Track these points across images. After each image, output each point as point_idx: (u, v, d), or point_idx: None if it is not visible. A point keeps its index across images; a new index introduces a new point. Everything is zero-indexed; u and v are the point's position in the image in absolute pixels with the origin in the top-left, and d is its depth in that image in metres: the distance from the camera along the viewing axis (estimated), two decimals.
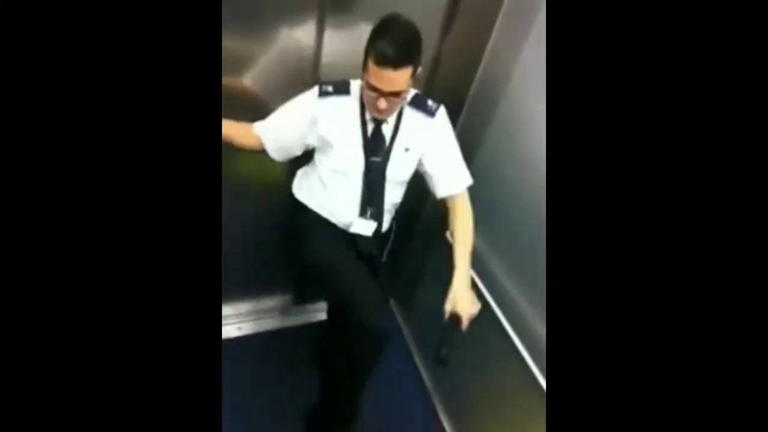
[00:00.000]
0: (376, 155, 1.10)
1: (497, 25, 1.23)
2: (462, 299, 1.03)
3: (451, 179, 1.14)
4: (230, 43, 1.07)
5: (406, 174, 1.16)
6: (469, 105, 1.39)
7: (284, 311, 1.89)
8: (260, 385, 1.64)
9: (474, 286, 1.32)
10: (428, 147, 1.11)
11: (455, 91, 1.37)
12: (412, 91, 1.07)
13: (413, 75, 0.96)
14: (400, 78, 0.93)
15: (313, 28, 1.12)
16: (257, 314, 1.84)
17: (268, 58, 1.15)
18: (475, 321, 1.02)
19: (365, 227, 1.19)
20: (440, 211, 1.56)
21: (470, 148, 1.37)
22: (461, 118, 1.43)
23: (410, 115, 1.10)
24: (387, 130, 1.10)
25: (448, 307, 1.04)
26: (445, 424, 1.67)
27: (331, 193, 1.16)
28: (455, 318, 1.01)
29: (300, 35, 1.13)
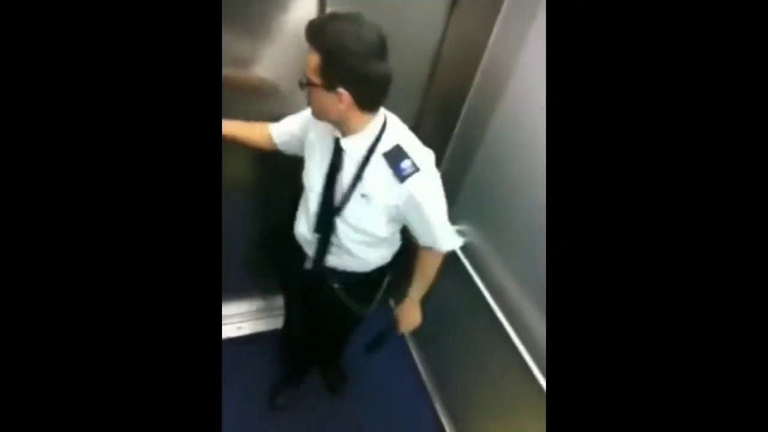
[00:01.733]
0: (331, 186, 1.02)
1: (497, 25, 1.23)
2: (405, 314, 1.26)
3: (427, 241, 1.06)
4: (230, 41, 1.07)
5: (365, 223, 1.03)
6: (469, 105, 1.39)
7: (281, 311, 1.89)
8: (260, 385, 1.65)
9: (474, 286, 1.33)
10: (403, 212, 1.00)
11: (455, 91, 1.37)
12: (393, 141, 0.95)
13: (321, 76, 0.84)
14: (308, 58, 0.84)
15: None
16: (257, 314, 1.84)
17: (268, 56, 1.14)
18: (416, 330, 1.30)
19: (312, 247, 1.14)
20: None
21: (470, 148, 1.37)
22: (461, 117, 1.43)
23: (378, 165, 0.95)
24: (349, 169, 0.99)
25: (395, 316, 1.28)
26: (445, 424, 1.67)
27: (301, 204, 1.14)
28: (396, 325, 1.28)
29: (300, 28, 1.13)
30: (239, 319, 1.81)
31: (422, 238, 1.06)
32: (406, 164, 0.93)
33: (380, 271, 1.20)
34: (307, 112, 1.08)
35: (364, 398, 1.72)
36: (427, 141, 1.47)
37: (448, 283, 1.58)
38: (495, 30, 1.24)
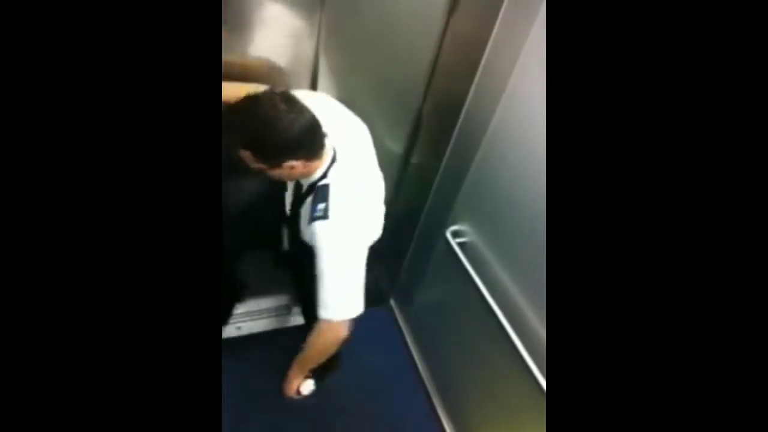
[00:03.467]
0: (294, 206, 1.08)
1: (497, 26, 1.23)
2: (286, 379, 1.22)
3: (317, 300, 0.98)
4: (228, 42, 1.07)
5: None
6: (469, 105, 1.39)
7: (284, 311, 1.89)
8: (260, 385, 1.65)
9: (474, 286, 1.33)
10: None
11: (455, 91, 1.37)
12: (328, 180, 0.97)
13: (263, 164, 0.89)
14: (241, 154, 0.89)
15: (314, 21, 1.12)
16: (257, 314, 1.84)
17: (268, 53, 1.14)
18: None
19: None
20: (440, 211, 1.58)
21: (470, 148, 1.37)
22: (461, 118, 1.43)
23: (309, 201, 0.99)
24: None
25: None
26: (445, 423, 1.67)
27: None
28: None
29: (299, 33, 1.13)
30: (239, 319, 1.81)
31: (317, 298, 0.98)
32: (320, 206, 0.94)
33: None
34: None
35: (364, 398, 1.72)
36: (427, 141, 1.49)
37: (448, 283, 1.58)
38: (495, 30, 1.24)
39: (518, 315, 1.20)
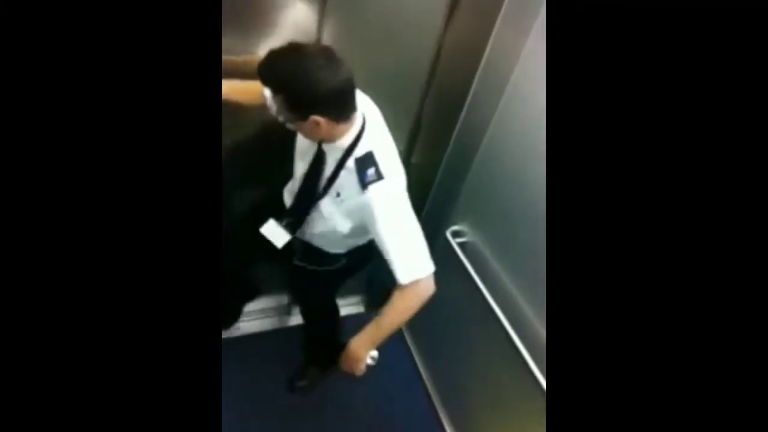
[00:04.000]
0: (308, 184, 1.07)
1: (497, 25, 1.23)
2: (348, 352, 1.12)
3: (393, 267, 0.97)
4: (230, 39, 1.07)
5: (334, 222, 1.08)
6: (469, 105, 1.39)
7: (284, 311, 1.89)
8: (260, 385, 1.65)
9: (474, 286, 1.33)
10: (364, 221, 1.00)
11: (455, 91, 1.37)
12: (367, 147, 0.97)
13: (291, 111, 0.89)
14: (272, 99, 0.88)
15: (315, 20, 1.12)
16: (257, 314, 1.84)
17: (269, 42, 1.14)
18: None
19: (276, 234, 1.14)
20: (440, 211, 1.58)
21: (470, 148, 1.37)
22: (461, 117, 1.43)
23: (351, 169, 0.98)
24: (329, 167, 1.03)
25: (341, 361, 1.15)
26: (445, 424, 1.67)
27: (292, 180, 1.20)
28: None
29: (301, 27, 1.13)
30: (239, 319, 1.81)
31: (385, 257, 0.98)
32: (370, 171, 0.94)
33: (338, 257, 1.24)
34: None
35: (364, 398, 1.72)
36: (427, 141, 1.49)
37: (448, 283, 1.58)
38: (495, 30, 1.24)
39: (518, 315, 1.20)
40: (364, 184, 0.95)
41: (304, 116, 0.89)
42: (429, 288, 0.99)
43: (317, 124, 0.89)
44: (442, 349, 1.71)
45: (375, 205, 0.95)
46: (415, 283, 0.97)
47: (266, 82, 0.87)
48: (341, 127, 0.94)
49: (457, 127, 1.45)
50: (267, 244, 1.18)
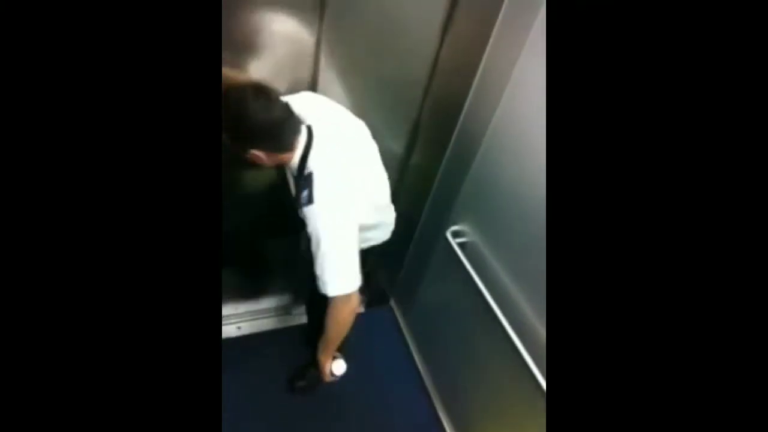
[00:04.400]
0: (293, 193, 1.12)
1: (497, 26, 1.23)
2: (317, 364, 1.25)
3: (318, 280, 1.04)
4: (227, 42, 1.07)
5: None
6: (469, 105, 1.39)
7: (284, 311, 1.89)
8: (260, 385, 1.65)
9: (474, 286, 1.33)
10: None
11: (455, 92, 1.37)
12: (310, 168, 1.00)
13: (232, 149, 0.94)
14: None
15: (315, 19, 1.12)
16: (257, 314, 1.84)
17: (268, 50, 1.14)
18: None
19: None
20: (440, 211, 1.58)
21: (470, 148, 1.37)
22: (461, 118, 1.43)
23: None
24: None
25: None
26: (445, 423, 1.67)
27: None
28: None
29: (300, 30, 1.13)
30: (239, 319, 1.82)
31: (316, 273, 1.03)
32: (305, 194, 1.00)
33: None
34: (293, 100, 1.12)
35: (364, 397, 1.72)
36: (427, 141, 1.49)
37: (448, 283, 1.59)
38: (495, 30, 1.24)
39: (518, 315, 1.20)
40: (299, 204, 1.02)
41: (245, 151, 0.95)
42: (351, 302, 1.06)
43: (258, 157, 0.96)
44: (442, 350, 1.71)
45: (308, 223, 1.00)
46: (334, 299, 1.04)
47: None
48: (285, 155, 1.00)
49: (457, 127, 1.45)
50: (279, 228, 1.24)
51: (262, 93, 0.92)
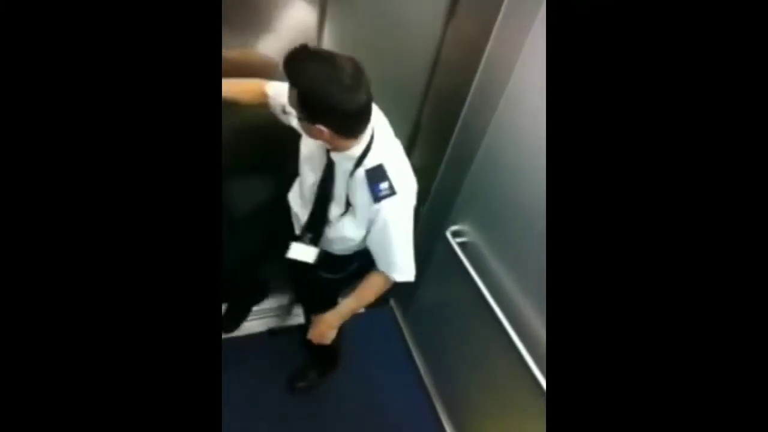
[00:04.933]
0: (323, 195, 1.09)
1: (497, 26, 1.23)
2: (322, 324, 1.25)
3: (382, 265, 1.12)
4: (230, 37, 1.07)
5: (346, 230, 1.12)
6: (469, 105, 1.39)
7: (284, 311, 1.89)
8: (260, 385, 1.65)
9: (474, 286, 1.33)
10: (371, 230, 1.07)
11: (455, 92, 1.37)
12: (378, 159, 0.99)
13: (301, 111, 0.89)
14: (289, 92, 0.89)
15: (315, 20, 1.12)
16: (257, 314, 1.84)
17: (268, 53, 1.14)
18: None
19: (304, 253, 1.19)
20: (440, 211, 1.58)
21: (470, 149, 1.37)
22: (461, 118, 1.43)
23: (362, 180, 1.00)
24: (339, 179, 1.05)
25: (314, 320, 1.27)
26: (445, 423, 1.67)
27: (297, 182, 1.22)
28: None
29: (300, 32, 1.13)
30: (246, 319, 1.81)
31: (379, 261, 1.11)
32: (383, 185, 0.98)
33: (349, 257, 1.26)
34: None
35: (364, 398, 1.72)
36: (427, 141, 1.49)
37: (448, 283, 1.58)
38: (495, 30, 1.24)
39: (518, 315, 1.20)
40: (377, 198, 0.98)
41: (311, 120, 0.89)
42: (389, 285, 1.14)
43: (321, 132, 0.90)
44: (442, 349, 1.71)
45: (385, 216, 1.00)
46: (387, 278, 1.12)
47: (289, 75, 0.85)
48: (347, 141, 0.95)
49: (457, 127, 1.45)
50: (274, 246, 1.23)
51: (361, 80, 0.86)
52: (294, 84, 0.86)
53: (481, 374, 1.46)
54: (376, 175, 0.98)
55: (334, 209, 1.10)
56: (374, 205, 0.99)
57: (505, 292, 1.25)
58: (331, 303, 1.32)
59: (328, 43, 1.15)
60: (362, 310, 1.28)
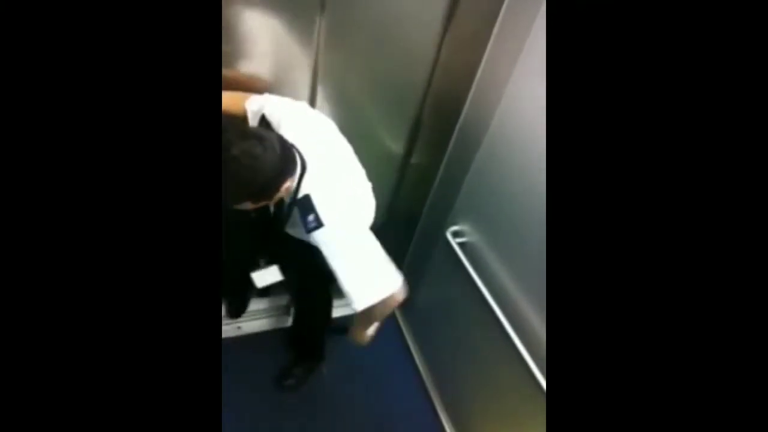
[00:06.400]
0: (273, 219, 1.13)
1: (497, 26, 1.23)
2: (354, 332, 1.22)
3: (348, 296, 1.00)
4: (230, 41, 1.07)
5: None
6: (469, 105, 1.39)
7: (284, 311, 1.89)
8: (260, 385, 1.65)
9: (474, 286, 1.33)
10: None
11: (455, 92, 1.37)
12: (305, 190, 0.98)
13: (255, 204, 0.93)
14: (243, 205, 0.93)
15: (314, 24, 1.12)
16: (257, 314, 1.84)
17: (267, 51, 1.14)
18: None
19: (267, 276, 1.25)
20: (440, 211, 1.58)
21: (470, 149, 1.37)
22: (461, 118, 1.43)
23: (295, 211, 1.02)
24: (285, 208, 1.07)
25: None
26: (445, 423, 1.67)
27: None
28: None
29: (299, 35, 1.13)
30: (239, 319, 1.82)
31: (348, 297, 1.00)
32: (310, 218, 0.96)
33: None
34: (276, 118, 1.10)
35: (364, 398, 1.72)
36: (427, 141, 1.49)
37: (448, 283, 1.59)
38: (495, 31, 1.24)
39: (518, 315, 1.20)
40: (307, 230, 0.97)
41: (276, 192, 0.93)
42: (397, 297, 1.02)
43: (287, 188, 0.94)
44: (442, 350, 1.71)
45: (321, 247, 0.97)
46: (374, 305, 1.00)
47: (235, 203, 0.91)
48: (296, 175, 0.97)
49: (457, 127, 1.45)
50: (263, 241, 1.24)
51: (250, 134, 0.88)
52: (241, 201, 0.90)
53: (480, 374, 1.46)
54: (304, 206, 0.97)
55: (292, 229, 1.12)
56: (309, 237, 0.98)
57: (505, 292, 1.25)
58: (322, 270, 1.31)
59: (326, 44, 1.15)
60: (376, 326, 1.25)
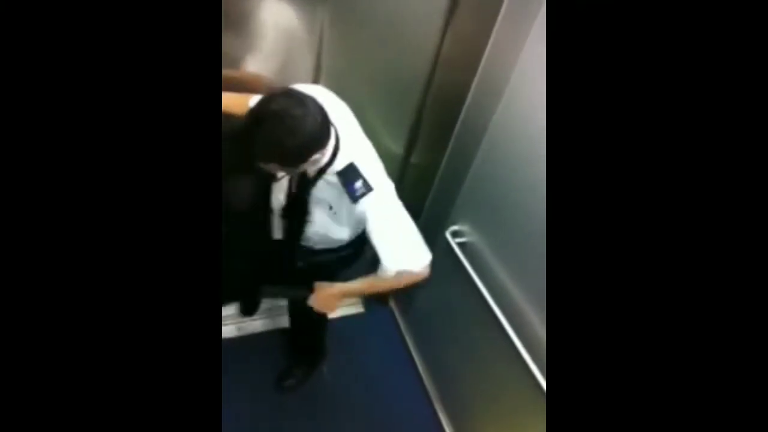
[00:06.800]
0: (293, 206, 1.10)
1: (497, 25, 1.23)
2: (326, 294, 1.17)
3: (387, 262, 1.01)
4: (227, 37, 1.07)
5: (331, 231, 1.12)
6: (469, 104, 1.39)
7: (284, 311, 1.89)
8: (261, 385, 1.65)
9: (474, 286, 1.33)
10: (365, 226, 1.02)
11: (455, 91, 1.37)
12: (347, 159, 0.97)
13: (284, 170, 0.93)
14: (268, 166, 0.91)
15: (316, 22, 1.12)
16: (257, 314, 1.84)
17: (270, 46, 1.14)
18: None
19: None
20: (440, 211, 1.58)
21: (470, 149, 1.37)
22: (461, 117, 1.43)
23: (333, 184, 1.00)
24: (311, 183, 1.04)
25: (316, 287, 1.19)
26: (445, 424, 1.67)
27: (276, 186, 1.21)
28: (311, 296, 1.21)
29: (301, 32, 1.13)
30: (239, 319, 1.81)
31: (386, 258, 1.01)
32: (358, 184, 0.96)
33: (343, 248, 1.23)
34: None
35: (364, 398, 1.72)
36: (427, 141, 1.49)
37: (447, 283, 1.58)
38: (495, 30, 1.23)
39: (518, 315, 1.20)
40: (354, 198, 0.96)
41: (304, 162, 0.89)
42: (422, 274, 1.04)
43: (317, 160, 0.91)
44: (441, 350, 1.71)
45: (369, 215, 0.97)
46: (410, 272, 1.03)
47: (259, 160, 0.87)
48: (329, 147, 0.95)
49: (457, 127, 1.45)
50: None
51: (295, 97, 0.84)
52: (267, 161, 0.88)
53: (480, 374, 1.46)
54: (349, 175, 0.97)
55: (318, 214, 1.09)
56: (354, 205, 0.98)
57: (505, 292, 1.25)
58: (318, 270, 1.27)
59: (329, 43, 1.15)
60: (362, 309, 1.25)
